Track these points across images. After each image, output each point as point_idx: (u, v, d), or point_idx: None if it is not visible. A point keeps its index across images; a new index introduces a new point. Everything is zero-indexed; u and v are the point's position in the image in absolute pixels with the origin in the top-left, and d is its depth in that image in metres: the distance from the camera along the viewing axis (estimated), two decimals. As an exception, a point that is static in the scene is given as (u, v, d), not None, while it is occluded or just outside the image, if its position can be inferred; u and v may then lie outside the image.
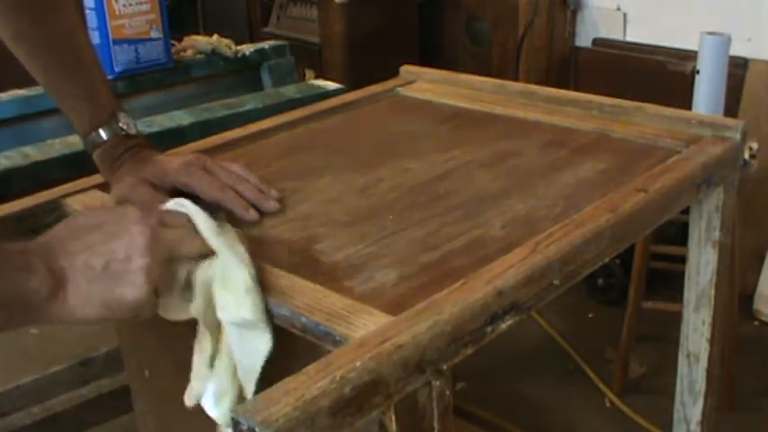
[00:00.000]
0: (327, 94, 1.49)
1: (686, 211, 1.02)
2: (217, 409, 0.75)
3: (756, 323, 2.30)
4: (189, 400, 0.76)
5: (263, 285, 0.72)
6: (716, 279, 1.03)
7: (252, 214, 0.85)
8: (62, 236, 0.69)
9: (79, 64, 0.91)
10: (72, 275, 0.66)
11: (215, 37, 1.69)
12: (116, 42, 1.50)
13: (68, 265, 0.66)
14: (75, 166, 1.13)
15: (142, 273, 0.67)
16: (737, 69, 2.25)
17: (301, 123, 1.15)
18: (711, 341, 1.07)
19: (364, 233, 0.82)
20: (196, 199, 0.84)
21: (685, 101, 1.85)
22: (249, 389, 0.72)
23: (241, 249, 0.73)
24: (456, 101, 1.19)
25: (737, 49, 2.05)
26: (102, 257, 0.67)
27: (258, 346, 0.71)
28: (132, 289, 0.67)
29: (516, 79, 2.60)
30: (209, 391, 0.75)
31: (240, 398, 0.74)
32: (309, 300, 0.69)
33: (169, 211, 0.76)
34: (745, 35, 2.26)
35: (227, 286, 0.71)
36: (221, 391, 0.74)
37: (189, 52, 1.66)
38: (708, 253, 1.03)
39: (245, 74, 1.72)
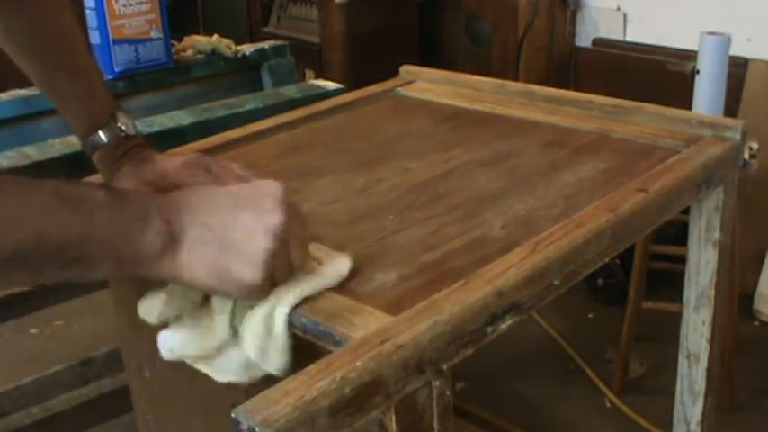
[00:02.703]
0: (327, 94, 1.49)
1: (686, 211, 1.02)
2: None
3: (756, 323, 2.30)
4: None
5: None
6: (716, 279, 1.03)
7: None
8: (189, 194, 0.67)
9: (76, 65, 0.91)
10: (189, 232, 0.63)
11: (215, 37, 1.69)
12: (116, 42, 1.50)
13: (188, 222, 0.63)
14: (75, 166, 1.13)
15: (263, 254, 0.63)
16: (737, 69, 2.25)
17: (301, 123, 1.15)
18: (711, 341, 1.07)
19: (364, 233, 0.82)
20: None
21: (685, 101, 1.85)
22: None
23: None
24: (456, 101, 1.19)
25: (737, 49, 2.05)
26: (225, 224, 0.63)
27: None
28: (248, 268, 0.63)
29: (516, 79, 2.60)
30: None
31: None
32: (309, 300, 0.69)
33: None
34: (745, 35, 2.25)
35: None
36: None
37: (189, 52, 1.66)
38: (708, 253, 1.03)
39: (245, 74, 1.71)
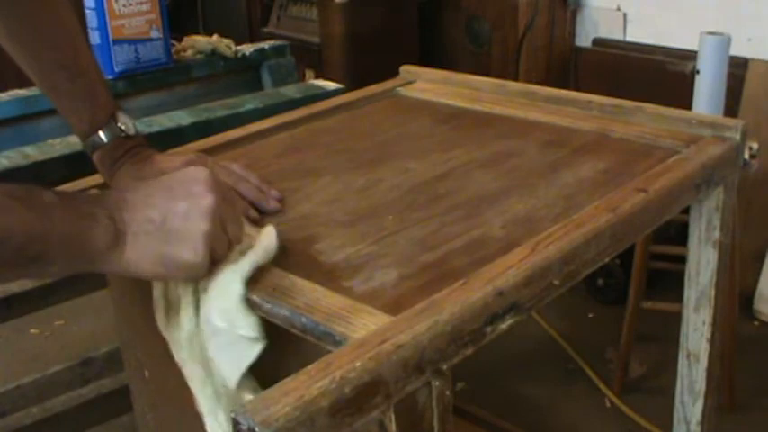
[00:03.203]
0: (327, 94, 1.49)
1: (686, 211, 1.02)
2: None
3: (756, 323, 2.30)
4: None
5: (263, 285, 0.72)
6: (716, 279, 1.03)
7: (252, 214, 0.85)
8: (128, 190, 0.72)
9: (77, 64, 0.91)
10: (132, 227, 0.68)
11: (215, 37, 1.69)
12: (116, 42, 1.50)
13: (129, 217, 0.68)
14: (75, 166, 1.13)
15: (201, 235, 0.68)
16: (737, 69, 2.25)
17: (301, 123, 1.15)
18: (711, 341, 1.07)
19: (364, 233, 0.82)
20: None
21: (685, 101, 1.85)
22: (231, 380, 0.73)
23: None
24: (456, 101, 1.19)
25: (737, 49, 2.05)
26: (162, 214, 0.68)
27: (246, 350, 0.72)
28: (188, 250, 0.68)
29: (516, 79, 2.60)
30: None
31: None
32: (309, 300, 0.69)
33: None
34: (745, 35, 2.25)
35: (217, 288, 0.72)
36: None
37: (189, 52, 1.66)
38: (708, 253, 1.03)
39: (245, 74, 1.71)
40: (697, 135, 1.01)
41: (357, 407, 0.58)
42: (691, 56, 2.09)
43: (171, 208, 0.68)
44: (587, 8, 2.72)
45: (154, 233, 0.68)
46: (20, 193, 0.64)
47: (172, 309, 0.79)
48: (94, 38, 1.49)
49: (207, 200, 0.69)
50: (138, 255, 0.68)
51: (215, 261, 0.71)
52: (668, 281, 1.96)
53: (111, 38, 1.49)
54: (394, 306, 0.68)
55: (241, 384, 0.74)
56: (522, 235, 0.79)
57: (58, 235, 0.64)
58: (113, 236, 0.67)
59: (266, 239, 0.76)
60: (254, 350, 0.71)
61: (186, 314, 0.76)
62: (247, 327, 0.70)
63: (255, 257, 0.73)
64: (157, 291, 0.80)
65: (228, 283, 0.71)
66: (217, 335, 0.73)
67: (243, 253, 0.74)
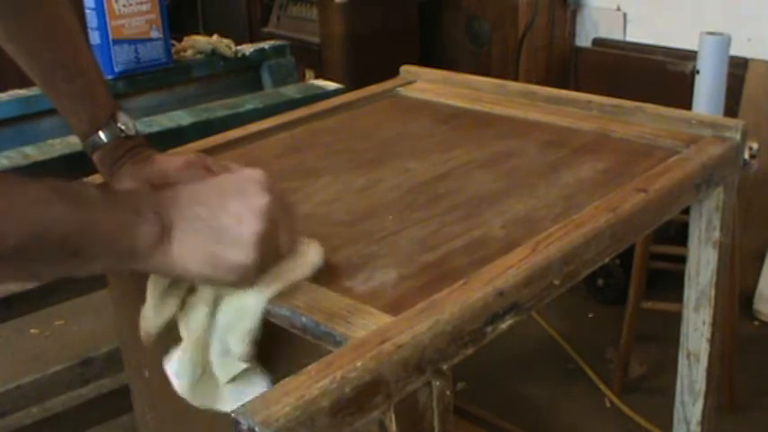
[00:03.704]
0: (327, 94, 1.49)
1: (686, 211, 1.02)
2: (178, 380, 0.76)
3: (756, 323, 2.30)
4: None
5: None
6: (716, 279, 1.03)
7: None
8: (178, 190, 0.68)
9: (77, 64, 0.91)
10: (180, 224, 0.64)
11: (215, 37, 1.69)
12: (116, 42, 1.50)
13: (177, 213, 0.64)
14: (75, 166, 1.13)
15: (253, 236, 0.64)
16: (737, 69, 2.25)
17: (301, 123, 1.15)
18: (711, 341, 1.07)
19: (364, 233, 0.82)
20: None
21: (685, 101, 1.85)
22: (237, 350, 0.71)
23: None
24: (456, 101, 1.19)
25: (737, 49, 2.05)
26: (212, 211, 0.65)
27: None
28: (239, 251, 0.64)
29: (516, 79, 2.60)
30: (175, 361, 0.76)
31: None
32: (309, 300, 0.69)
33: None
34: (745, 35, 2.26)
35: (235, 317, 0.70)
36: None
37: (189, 52, 1.66)
38: (708, 253, 1.03)
39: (245, 74, 1.71)
40: (697, 135, 1.01)
41: (357, 407, 0.58)
42: (691, 56, 2.09)
43: (222, 205, 0.65)
44: (587, 8, 2.72)
45: (203, 231, 0.64)
46: (61, 187, 0.62)
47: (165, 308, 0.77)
48: (94, 38, 1.49)
49: (261, 200, 0.65)
50: (185, 252, 0.64)
51: (263, 269, 0.68)
52: (668, 281, 1.96)
53: (111, 38, 1.49)
54: (394, 306, 0.68)
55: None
56: (523, 235, 0.79)
57: (100, 229, 0.62)
58: (159, 232, 0.64)
59: (314, 256, 0.73)
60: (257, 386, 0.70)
61: (197, 319, 0.73)
62: (239, 350, 0.69)
63: (294, 277, 0.71)
64: (154, 294, 0.77)
65: (253, 307, 0.68)
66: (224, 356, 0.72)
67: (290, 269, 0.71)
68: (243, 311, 0.69)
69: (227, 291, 0.70)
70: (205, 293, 0.72)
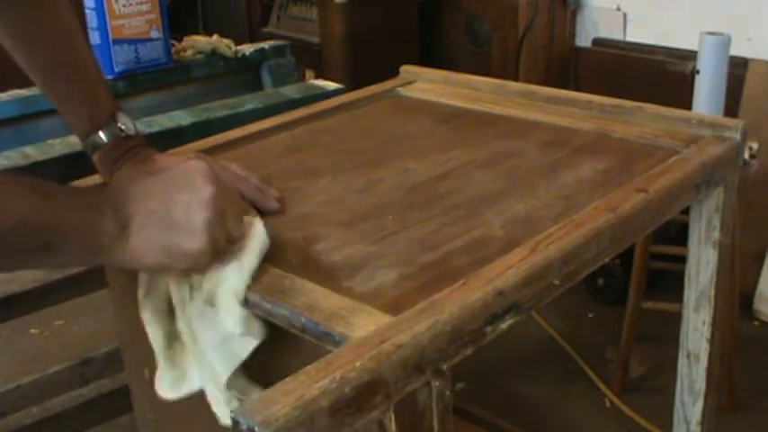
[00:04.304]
0: (327, 94, 1.49)
1: (686, 211, 1.02)
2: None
3: (756, 323, 2.30)
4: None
5: (263, 285, 0.72)
6: (716, 279, 1.03)
7: (252, 214, 0.85)
8: (130, 182, 0.73)
9: (77, 64, 0.91)
10: (135, 219, 0.69)
11: (215, 37, 1.69)
12: (116, 42, 1.50)
13: (133, 210, 0.70)
14: (75, 166, 1.13)
15: (202, 224, 0.69)
16: (737, 69, 2.25)
17: (301, 123, 1.15)
18: (711, 341, 1.07)
19: (364, 233, 0.82)
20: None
21: (685, 101, 1.85)
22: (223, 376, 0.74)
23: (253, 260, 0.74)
24: (456, 101, 1.19)
25: (737, 49, 2.05)
26: (164, 205, 0.70)
27: (243, 347, 0.73)
28: (191, 239, 0.69)
29: (516, 79, 2.60)
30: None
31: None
32: (309, 300, 0.69)
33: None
34: (745, 35, 2.26)
35: (227, 293, 0.73)
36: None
37: (189, 52, 1.66)
38: (708, 253, 1.03)
39: (245, 74, 1.71)
40: (697, 135, 1.01)
41: (357, 407, 0.58)
42: (691, 56, 2.09)
43: (173, 199, 0.70)
44: (587, 8, 2.72)
45: (157, 224, 0.69)
46: (33, 183, 0.66)
47: (157, 304, 0.80)
48: (94, 38, 1.49)
49: (207, 190, 0.70)
50: (142, 245, 0.69)
51: (215, 253, 0.72)
52: (668, 281, 1.96)
53: (111, 38, 1.49)
54: (394, 306, 0.68)
55: (231, 383, 0.74)
56: (522, 235, 0.79)
57: (68, 224, 0.66)
58: (119, 227, 0.68)
59: (257, 240, 0.76)
60: (246, 348, 0.72)
61: (180, 309, 0.77)
62: (243, 324, 0.71)
63: (254, 257, 0.74)
64: (142, 289, 0.81)
65: (234, 282, 0.72)
66: (209, 330, 0.73)
67: (242, 250, 0.74)
68: (225, 281, 0.73)
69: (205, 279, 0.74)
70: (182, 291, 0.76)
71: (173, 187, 0.71)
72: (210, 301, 0.73)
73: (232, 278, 0.72)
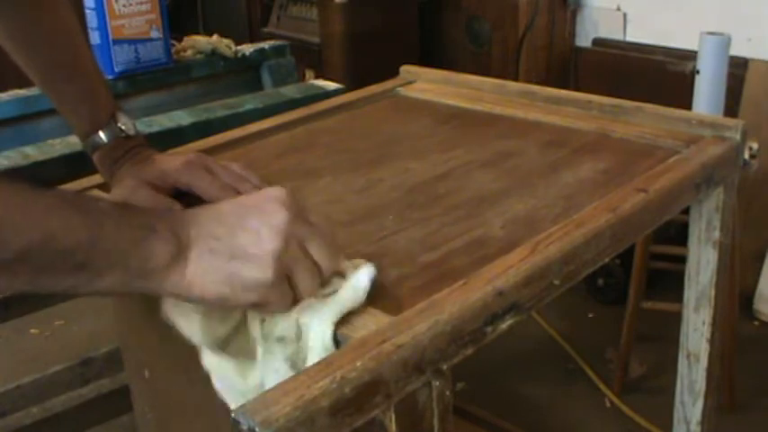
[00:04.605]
0: (327, 94, 1.49)
1: (686, 211, 1.02)
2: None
3: (756, 323, 2.30)
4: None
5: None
6: (716, 279, 1.03)
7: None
8: (196, 210, 0.66)
9: (77, 64, 0.91)
10: (197, 244, 0.62)
11: (215, 37, 1.69)
12: (116, 42, 1.50)
13: (195, 234, 0.62)
14: (75, 166, 1.13)
15: (270, 254, 0.62)
16: (737, 69, 2.25)
17: (301, 123, 1.15)
18: (711, 341, 1.07)
19: (364, 233, 0.82)
20: (197, 198, 0.84)
21: (685, 101, 1.85)
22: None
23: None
24: (456, 101, 1.19)
25: (737, 49, 2.05)
26: (230, 230, 0.63)
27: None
28: (256, 268, 0.62)
29: (516, 79, 2.60)
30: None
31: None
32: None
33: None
34: (745, 35, 2.25)
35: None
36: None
37: (189, 52, 1.66)
38: (708, 253, 1.03)
39: (245, 74, 1.71)
40: (697, 135, 1.01)
41: (357, 407, 0.58)
42: (691, 56, 2.09)
43: (241, 224, 0.63)
44: (587, 8, 2.72)
45: (220, 250, 0.62)
46: (73, 197, 0.61)
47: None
48: (94, 38, 1.49)
49: (279, 216, 0.63)
50: (202, 273, 0.62)
51: (301, 291, 0.65)
52: (668, 281, 1.96)
53: (111, 38, 1.49)
54: (394, 306, 0.68)
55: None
56: (522, 235, 0.79)
57: (111, 243, 0.59)
58: (175, 251, 0.61)
59: (359, 279, 0.68)
60: None
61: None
62: None
63: (344, 301, 0.66)
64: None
65: (321, 331, 0.64)
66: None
67: (334, 291, 0.67)
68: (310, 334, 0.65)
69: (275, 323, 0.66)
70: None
71: (243, 213, 0.64)
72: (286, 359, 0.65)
73: (317, 331, 0.64)
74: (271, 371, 0.66)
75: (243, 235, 0.63)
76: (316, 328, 0.64)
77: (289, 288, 0.64)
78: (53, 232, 0.57)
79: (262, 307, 0.65)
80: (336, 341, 0.64)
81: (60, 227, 0.57)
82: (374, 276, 0.68)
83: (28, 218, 0.57)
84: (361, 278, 0.68)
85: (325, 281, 0.67)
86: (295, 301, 0.65)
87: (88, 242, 0.58)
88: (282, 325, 0.65)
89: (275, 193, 0.66)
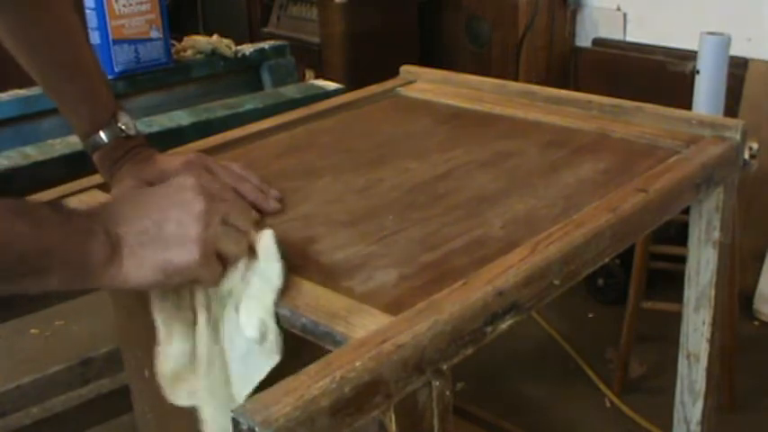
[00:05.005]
0: (327, 94, 1.49)
1: (686, 211, 1.02)
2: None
3: (756, 323, 2.30)
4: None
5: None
6: (716, 279, 1.03)
7: (253, 214, 0.85)
8: (121, 203, 0.72)
9: (78, 64, 0.91)
10: (127, 239, 0.68)
11: (215, 37, 1.69)
12: (116, 42, 1.50)
13: (125, 231, 0.68)
14: (75, 166, 1.13)
15: (194, 238, 0.68)
16: (737, 69, 2.25)
17: (301, 123, 1.15)
18: (711, 341, 1.07)
19: (364, 233, 0.82)
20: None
21: (685, 101, 1.85)
22: (241, 395, 0.72)
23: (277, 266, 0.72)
24: (456, 101, 1.19)
25: (737, 49, 2.05)
26: (156, 222, 0.69)
27: (263, 363, 0.71)
28: (183, 252, 0.68)
29: (516, 79, 2.60)
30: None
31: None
32: (309, 300, 0.69)
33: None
34: (745, 35, 2.25)
35: (252, 298, 0.71)
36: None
37: (189, 52, 1.66)
38: (708, 253, 1.03)
39: (244, 74, 1.71)
40: (697, 135, 1.01)
41: (357, 407, 0.58)
42: (691, 56, 2.08)
43: (164, 217, 0.69)
44: (587, 8, 2.72)
45: (149, 243, 0.68)
46: (17, 206, 0.65)
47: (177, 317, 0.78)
48: (94, 38, 1.49)
49: (197, 204, 0.69)
50: (136, 266, 0.68)
51: (233, 257, 0.71)
52: (668, 281, 1.96)
53: (111, 38, 1.49)
54: (394, 306, 0.68)
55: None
56: (522, 235, 0.79)
57: (56, 248, 0.64)
58: (110, 250, 0.67)
59: (264, 243, 0.74)
60: (268, 364, 0.70)
61: (201, 321, 0.75)
62: (274, 340, 0.70)
63: (279, 265, 0.72)
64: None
65: (263, 294, 0.70)
66: (234, 339, 0.72)
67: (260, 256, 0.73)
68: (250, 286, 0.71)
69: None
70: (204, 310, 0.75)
71: (164, 204, 0.70)
72: (236, 307, 0.72)
73: (256, 283, 0.71)
74: (233, 325, 0.72)
75: (167, 225, 0.69)
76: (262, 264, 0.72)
77: (217, 262, 0.71)
78: (7, 242, 0.62)
79: (197, 283, 0.72)
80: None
81: (12, 235, 0.62)
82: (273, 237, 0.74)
83: None
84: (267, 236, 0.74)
85: (249, 239, 0.74)
86: (226, 268, 0.72)
87: (36, 249, 0.63)
88: (229, 280, 0.72)
89: (186, 182, 0.72)
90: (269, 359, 0.70)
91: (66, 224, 0.66)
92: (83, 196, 0.94)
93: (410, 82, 1.28)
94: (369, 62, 2.64)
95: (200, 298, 0.75)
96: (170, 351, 0.78)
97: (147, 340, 0.93)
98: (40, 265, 0.64)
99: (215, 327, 0.75)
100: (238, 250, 0.72)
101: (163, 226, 0.68)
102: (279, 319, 0.70)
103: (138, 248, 0.68)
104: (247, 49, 1.71)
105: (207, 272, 0.70)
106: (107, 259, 0.67)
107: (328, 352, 0.62)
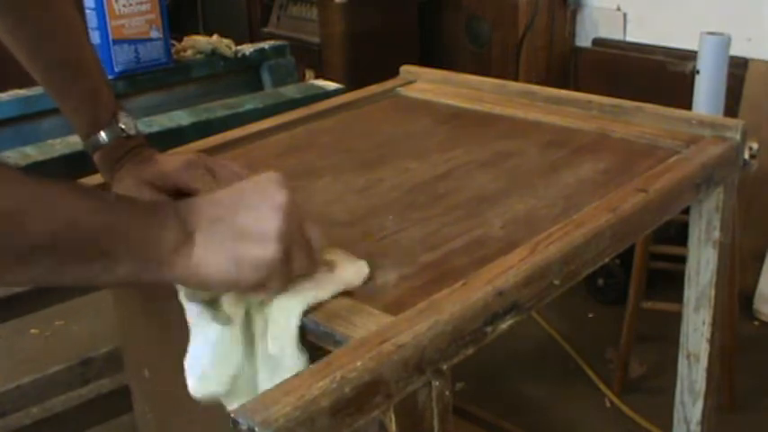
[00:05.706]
0: (327, 94, 1.49)
1: (686, 211, 1.02)
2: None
3: (756, 323, 2.30)
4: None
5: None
6: (716, 279, 1.03)
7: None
8: (199, 198, 0.68)
9: (79, 63, 0.91)
10: (201, 228, 0.63)
11: (215, 37, 1.69)
12: (116, 42, 1.50)
13: (199, 219, 0.64)
14: (75, 166, 1.13)
15: (274, 230, 0.63)
16: (737, 69, 2.25)
17: (301, 123, 1.15)
18: (711, 341, 1.07)
19: (364, 233, 0.82)
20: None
21: (685, 101, 1.85)
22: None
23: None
24: (456, 101, 1.19)
25: (737, 49, 2.05)
26: (232, 212, 0.64)
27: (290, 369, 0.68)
28: (262, 246, 0.63)
29: (516, 79, 2.60)
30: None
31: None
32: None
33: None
34: (745, 35, 2.25)
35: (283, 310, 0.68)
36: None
37: (189, 52, 1.66)
38: (708, 253, 1.03)
39: (244, 74, 1.72)
40: (697, 135, 1.01)
41: (357, 407, 0.58)
42: (691, 56, 2.08)
43: (243, 206, 0.65)
44: (587, 8, 2.72)
45: (225, 232, 0.63)
46: (84, 187, 0.62)
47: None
48: (94, 38, 1.49)
49: (280, 196, 0.65)
50: (209, 255, 0.63)
51: (296, 270, 0.67)
52: (668, 281, 1.96)
53: (111, 38, 1.49)
54: (394, 306, 0.68)
55: None
56: (522, 235, 0.79)
57: (128, 231, 0.61)
58: (182, 237, 0.63)
59: (352, 273, 0.72)
60: (294, 371, 0.66)
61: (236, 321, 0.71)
62: (295, 361, 0.67)
63: (334, 288, 0.69)
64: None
65: (289, 311, 0.67)
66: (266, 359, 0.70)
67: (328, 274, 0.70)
68: (284, 312, 0.67)
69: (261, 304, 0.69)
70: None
71: (243, 196, 0.66)
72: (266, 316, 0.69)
73: (292, 299, 0.67)
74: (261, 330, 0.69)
75: (246, 216, 0.64)
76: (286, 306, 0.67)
77: (287, 268, 0.65)
78: (77, 218, 0.58)
79: (262, 289, 0.66)
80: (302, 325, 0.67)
81: (83, 212, 0.59)
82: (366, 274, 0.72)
83: (46, 206, 0.58)
84: (358, 275, 0.71)
85: (318, 262, 0.69)
86: (289, 280, 0.67)
87: (108, 230, 0.59)
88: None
89: (272, 176, 0.67)
90: (294, 366, 0.67)
91: (135, 207, 0.63)
92: (83, 196, 0.94)
93: (410, 82, 1.28)
94: (369, 62, 2.64)
95: (232, 298, 0.72)
96: (198, 352, 0.74)
97: (147, 340, 0.93)
98: (112, 249, 0.60)
99: (246, 328, 0.72)
100: (308, 263, 0.67)
101: (239, 215, 0.64)
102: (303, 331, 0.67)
103: (212, 238, 0.63)
104: (247, 49, 1.71)
105: (278, 275, 0.65)
106: (178, 247, 0.62)
107: (328, 352, 0.62)
